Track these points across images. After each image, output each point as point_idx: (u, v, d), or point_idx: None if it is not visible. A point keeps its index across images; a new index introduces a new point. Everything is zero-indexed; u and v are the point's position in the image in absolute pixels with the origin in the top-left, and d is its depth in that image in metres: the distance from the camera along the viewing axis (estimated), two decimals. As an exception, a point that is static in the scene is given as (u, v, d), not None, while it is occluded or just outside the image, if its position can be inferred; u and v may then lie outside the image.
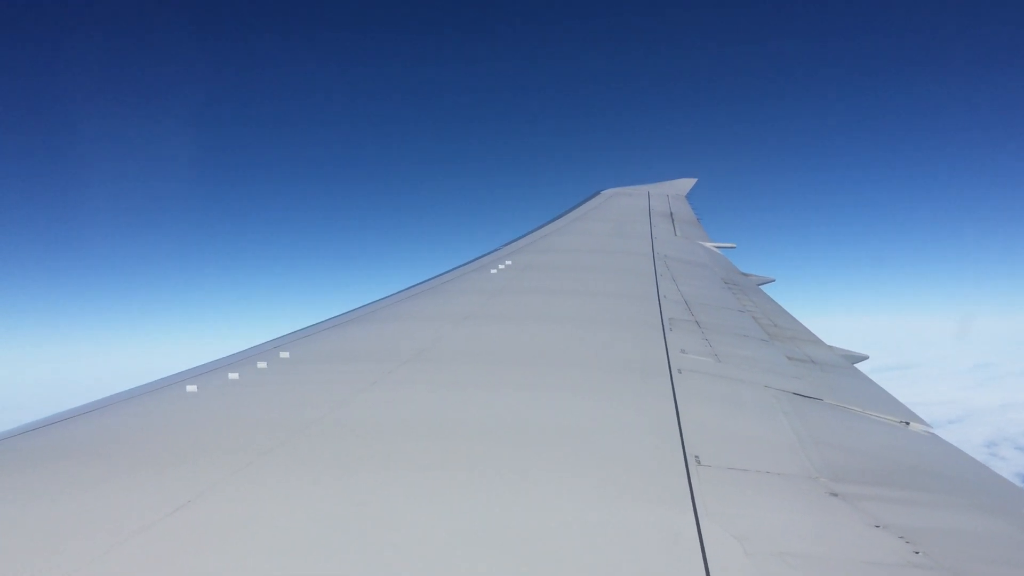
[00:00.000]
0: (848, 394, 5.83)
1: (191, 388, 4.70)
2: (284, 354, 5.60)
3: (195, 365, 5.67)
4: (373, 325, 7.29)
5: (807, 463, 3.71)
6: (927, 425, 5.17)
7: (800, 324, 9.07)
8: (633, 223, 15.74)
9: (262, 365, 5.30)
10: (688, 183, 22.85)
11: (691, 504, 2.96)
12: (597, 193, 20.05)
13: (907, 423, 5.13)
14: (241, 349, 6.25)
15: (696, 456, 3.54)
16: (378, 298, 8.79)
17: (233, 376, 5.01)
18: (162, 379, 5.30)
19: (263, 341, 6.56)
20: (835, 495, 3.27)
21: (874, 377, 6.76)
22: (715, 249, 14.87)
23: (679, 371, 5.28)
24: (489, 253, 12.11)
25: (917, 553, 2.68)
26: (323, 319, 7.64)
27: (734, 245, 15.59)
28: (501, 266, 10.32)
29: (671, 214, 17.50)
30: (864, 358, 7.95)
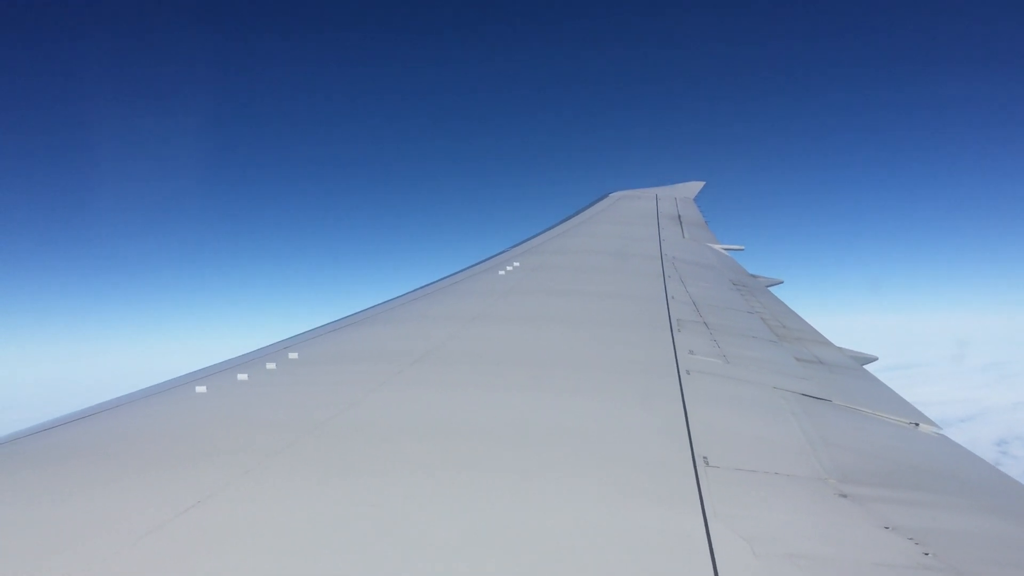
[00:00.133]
0: (857, 395, 5.82)
1: (200, 389, 4.71)
2: (293, 355, 5.61)
3: (204, 366, 5.70)
4: (382, 326, 7.31)
5: (816, 464, 3.70)
6: (936, 426, 5.15)
7: (808, 325, 9.04)
8: (641, 225, 15.74)
9: (271, 366, 5.31)
10: (696, 186, 22.80)
11: (700, 505, 2.96)
12: (606, 195, 20.09)
13: (916, 424, 5.11)
14: (250, 350, 6.28)
15: (705, 457, 3.53)
16: (387, 299, 8.82)
17: (242, 377, 5.02)
18: (171, 380, 5.32)
19: (272, 342, 6.59)
20: (844, 496, 3.26)
21: (883, 376, 6.74)
22: (723, 251, 14.85)
23: (687, 372, 5.28)
24: (498, 254, 12.14)
25: (927, 555, 2.67)
26: (332, 320, 7.67)
27: (742, 247, 15.58)
28: (510, 267, 10.34)
29: (679, 216, 17.49)
30: (873, 359, 7.93)
